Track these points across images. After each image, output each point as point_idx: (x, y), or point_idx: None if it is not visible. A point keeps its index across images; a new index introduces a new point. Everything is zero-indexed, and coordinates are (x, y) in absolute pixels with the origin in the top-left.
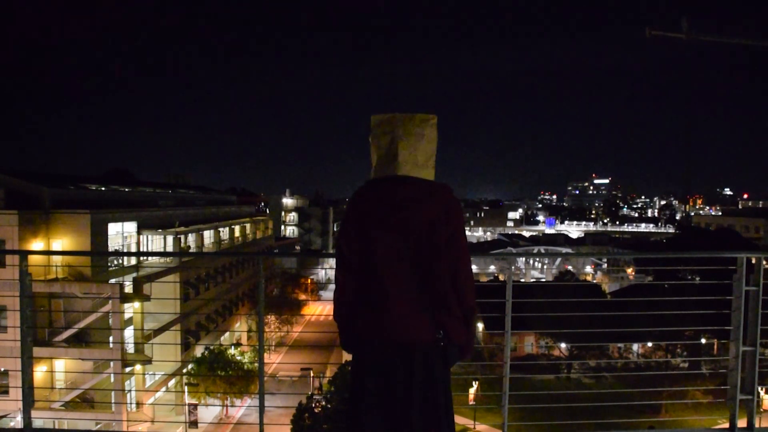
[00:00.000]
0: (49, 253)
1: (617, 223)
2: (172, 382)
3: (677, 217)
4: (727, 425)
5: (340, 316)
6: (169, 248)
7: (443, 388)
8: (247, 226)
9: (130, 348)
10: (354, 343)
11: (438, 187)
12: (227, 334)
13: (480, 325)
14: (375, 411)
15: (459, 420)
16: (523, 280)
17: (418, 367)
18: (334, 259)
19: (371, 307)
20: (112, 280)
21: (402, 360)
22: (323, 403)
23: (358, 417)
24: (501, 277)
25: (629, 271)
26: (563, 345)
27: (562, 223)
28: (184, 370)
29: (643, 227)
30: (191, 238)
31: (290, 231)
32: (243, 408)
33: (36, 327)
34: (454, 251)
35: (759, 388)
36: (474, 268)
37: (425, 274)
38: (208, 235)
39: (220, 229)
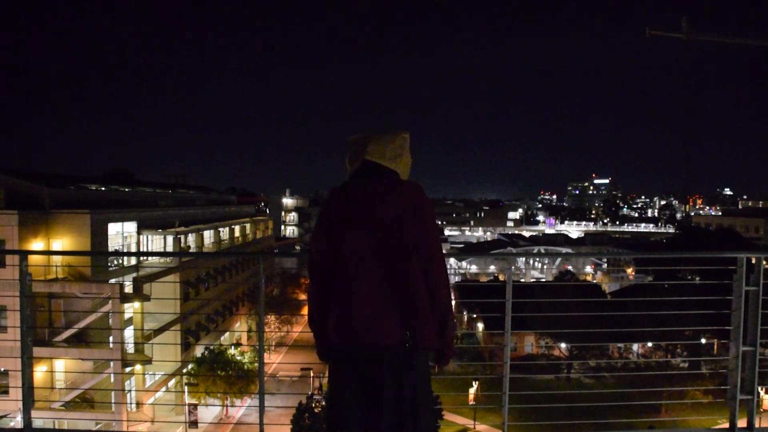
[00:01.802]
0: (49, 253)
1: (617, 223)
2: (172, 382)
3: (677, 217)
4: (727, 425)
5: (314, 323)
6: (169, 248)
7: (411, 393)
8: (247, 226)
9: (130, 348)
10: (327, 350)
11: (405, 184)
12: (227, 334)
13: (480, 325)
14: (352, 416)
15: (459, 420)
16: (523, 280)
17: (387, 371)
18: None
19: (340, 308)
20: (112, 280)
21: (372, 364)
22: (323, 403)
23: (336, 422)
24: (501, 277)
25: (629, 271)
26: (563, 345)
27: (562, 223)
28: (184, 370)
29: (643, 227)
30: (191, 238)
31: (290, 231)
32: (243, 408)
33: (36, 327)
34: (425, 251)
35: (759, 388)
36: (474, 268)
37: (393, 273)
38: (208, 235)
39: (220, 229)
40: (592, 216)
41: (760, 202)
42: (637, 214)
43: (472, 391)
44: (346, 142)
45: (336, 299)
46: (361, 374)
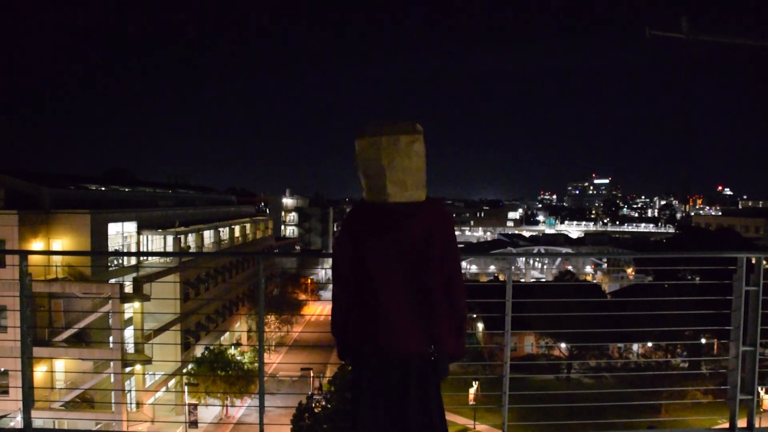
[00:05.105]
0: (49, 253)
1: (617, 223)
2: (172, 382)
3: (677, 217)
4: (727, 425)
5: (337, 328)
6: (169, 248)
7: (436, 400)
8: (247, 226)
9: (130, 348)
10: (351, 354)
11: (430, 202)
12: (227, 334)
13: (480, 325)
14: (376, 425)
15: (459, 420)
16: (523, 280)
17: (413, 380)
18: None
19: (367, 320)
20: (112, 280)
21: (397, 374)
22: (323, 403)
23: (363, 426)
24: (501, 277)
25: (629, 271)
26: (563, 345)
27: (562, 223)
28: (184, 370)
29: (643, 227)
30: (191, 238)
31: (290, 231)
32: (243, 408)
33: (36, 327)
34: (449, 262)
35: (759, 388)
36: (474, 268)
37: (419, 286)
38: (208, 235)
39: (220, 229)
40: (592, 216)
41: (760, 202)
42: (637, 214)
43: (472, 391)
44: (355, 147)
45: (363, 309)
46: (388, 381)
